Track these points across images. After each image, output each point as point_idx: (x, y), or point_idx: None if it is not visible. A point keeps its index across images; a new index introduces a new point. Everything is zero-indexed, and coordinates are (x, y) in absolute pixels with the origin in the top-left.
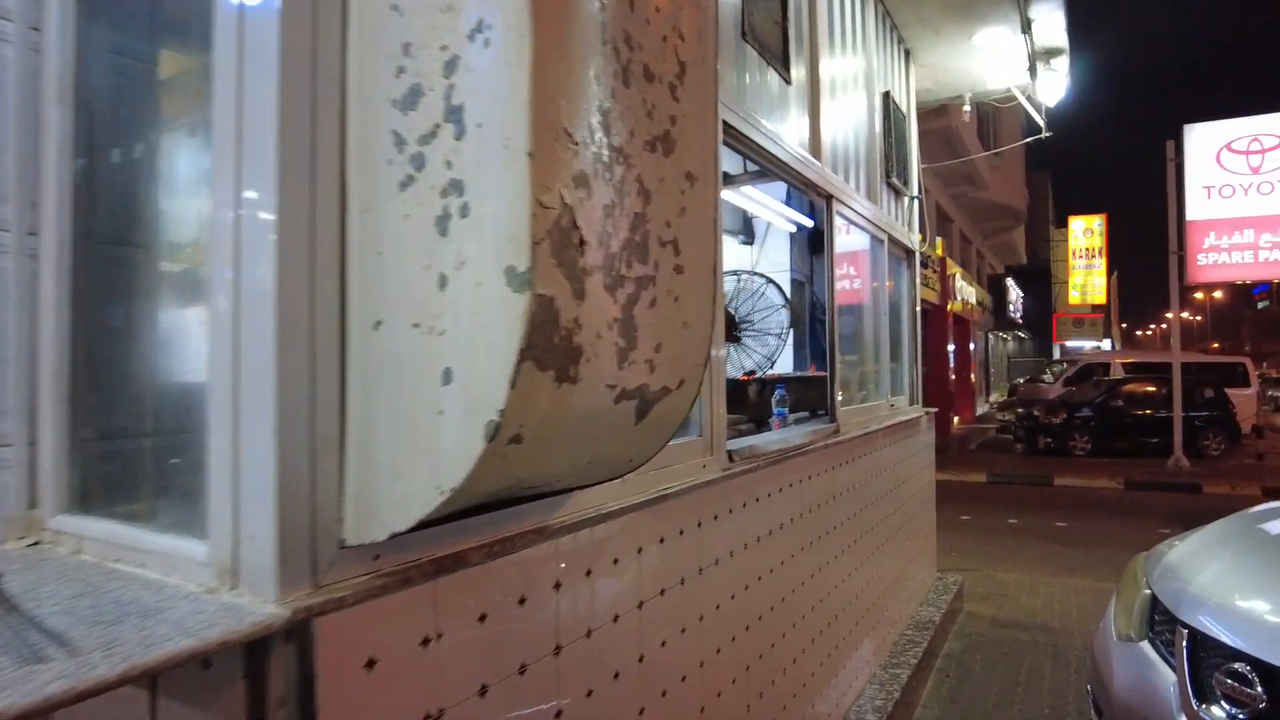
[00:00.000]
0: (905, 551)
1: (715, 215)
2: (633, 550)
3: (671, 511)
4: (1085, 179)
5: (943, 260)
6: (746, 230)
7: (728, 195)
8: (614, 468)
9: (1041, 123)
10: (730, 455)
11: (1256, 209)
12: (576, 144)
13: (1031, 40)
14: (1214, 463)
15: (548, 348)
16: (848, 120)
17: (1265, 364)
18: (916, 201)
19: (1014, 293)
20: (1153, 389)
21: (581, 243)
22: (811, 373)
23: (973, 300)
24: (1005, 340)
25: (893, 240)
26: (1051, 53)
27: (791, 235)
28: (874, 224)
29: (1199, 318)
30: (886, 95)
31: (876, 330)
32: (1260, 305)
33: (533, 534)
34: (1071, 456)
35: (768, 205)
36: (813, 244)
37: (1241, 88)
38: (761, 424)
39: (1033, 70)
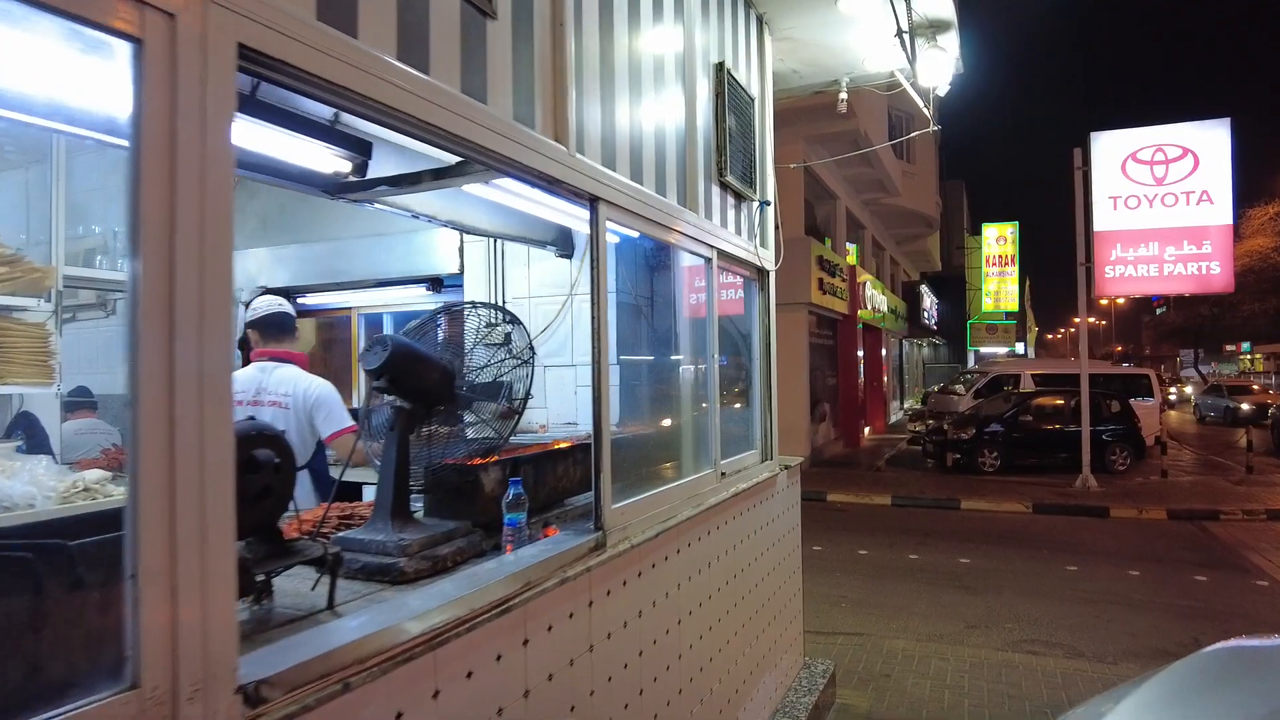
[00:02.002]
0: (752, 653)
1: None
2: None
3: None
4: (999, 187)
5: (852, 268)
6: (564, 242)
7: (488, 192)
8: None
9: (928, 113)
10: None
11: (1161, 221)
12: None
13: (910, 9)
14: (1121, 480)
15: None
16: (640, 95)
17: (1163, 366)
18: (766, 209)
19: (928, 299)
20: (1061, 402)
21: None
22: (571, 442)
23: (884, 308)
24: (920, 347)
25: (726, 257)
26: (937, 26)
27: (618, 248)
28: (689, 236)
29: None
30: (721, 69)
31: (704, 374)
32: (1159, 311)
33: None
34: (981, 474)
35: (562, 209)
36: (652, 260)
37: (1152, 98)
38: (494, 531)
39: (912, 47)
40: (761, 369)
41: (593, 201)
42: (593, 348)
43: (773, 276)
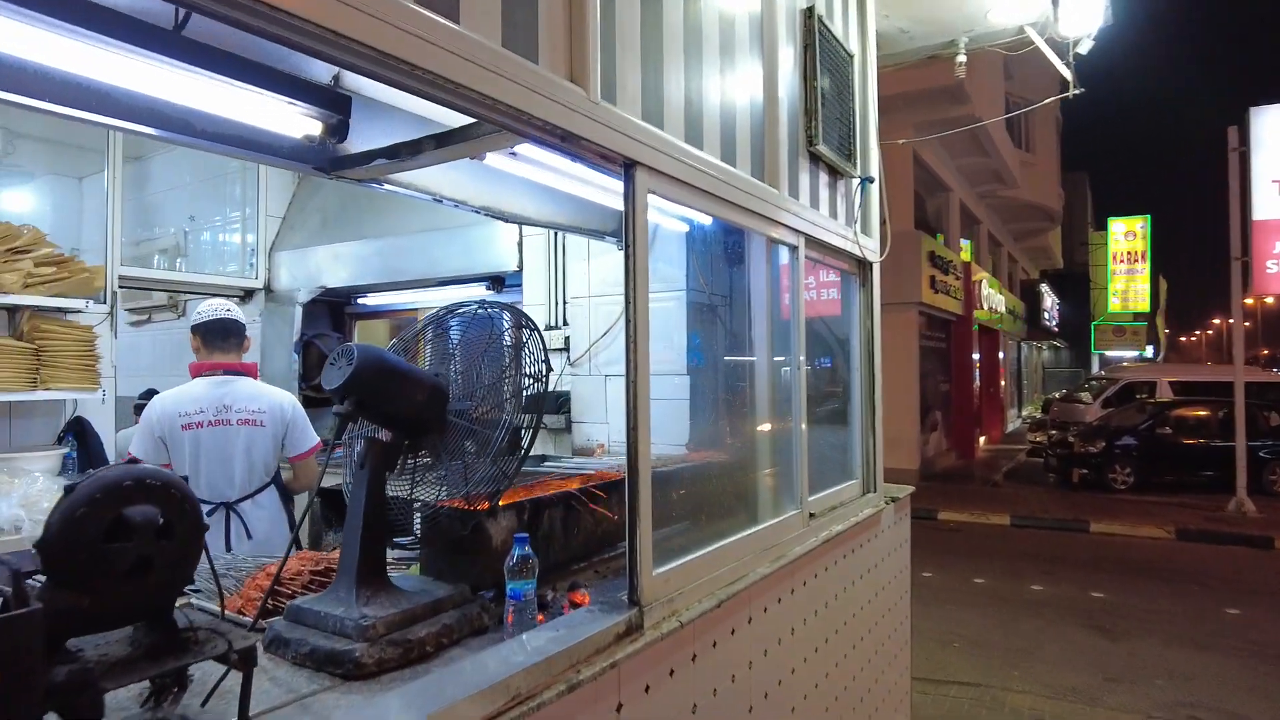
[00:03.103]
0: None
1: None
2: None
3: None
4: (1127, 179)
5: (967, 265)
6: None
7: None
8: None
9: (1068, 74)
10: None
11: None
12: None
13: None
14: None
15: None
16: (699, 38)
17: None
18: (869, 187)
19: (1049, 299)
20: (1206, 413)
21: None
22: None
23: (1001, 308)
24: (1040, 350)
25: (816, 245)
26: None
27: (690, 238)
28: (766, 218)
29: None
30: (811, 15)
31: (789, 388)
32: None
33: None
34: (1112, 492)
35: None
36: (733, 251)
37: None
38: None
39: None
40: (863, 381)
41: (628, 167)
42: (627, 360)
43: (876, 270)
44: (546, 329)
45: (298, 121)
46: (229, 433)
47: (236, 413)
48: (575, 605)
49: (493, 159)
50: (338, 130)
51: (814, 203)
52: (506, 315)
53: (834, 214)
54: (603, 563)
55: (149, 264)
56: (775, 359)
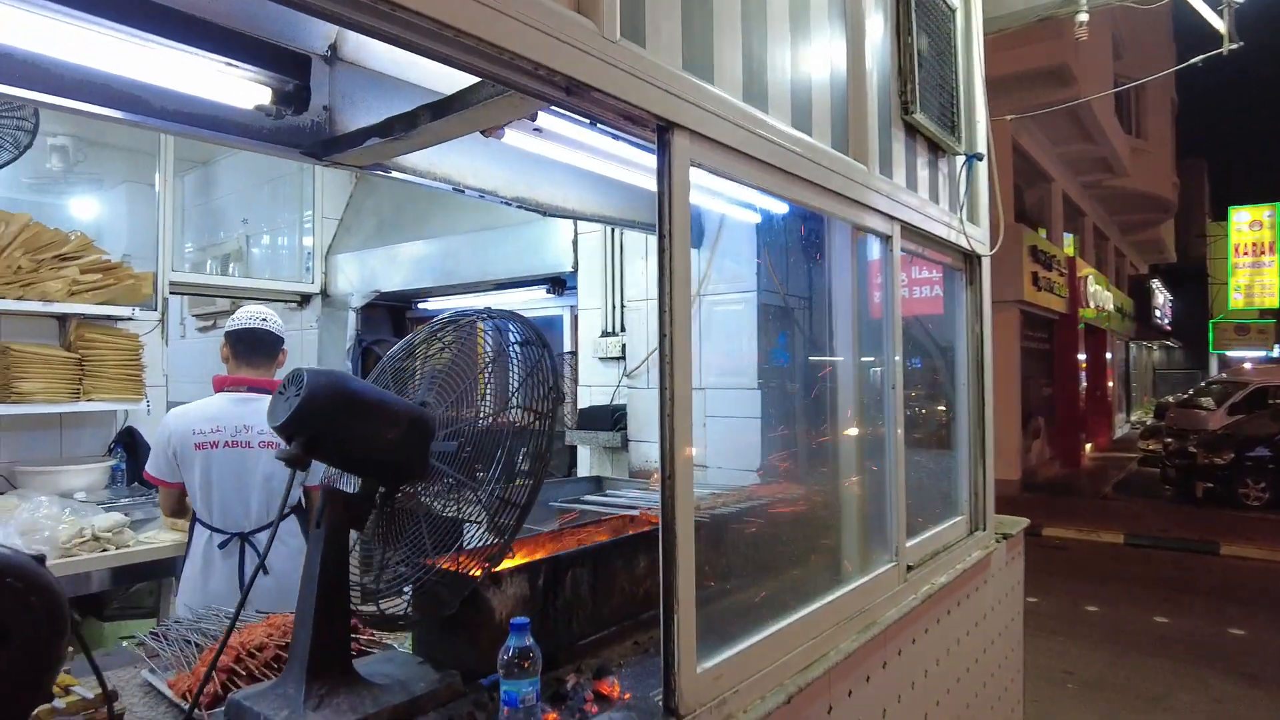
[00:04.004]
0: None
1: None
2: None
3: None
4: (1251, 164)
5: (1071, 260)
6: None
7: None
8: None
9: (1222, 27)
10: None
11: None
12: None
13: None
14: None
15: None
16: None
17: None
18: (977, 166)
19: (1160, 296)
20: None
21: None
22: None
23: (1109, 306)
24: (1150, 350)
25: (914, 234)
26: None
27: (763, 229)
28: (852, 200)
29: None
30: None
31: (880, 407)
32: None
33: None
34: (1243, 509)
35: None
36: (810, 243)
37: None
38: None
39: None
40: (971, 396)
41: (662, 131)
42: (661, 385)
43: (986, 265)
44: (601, 336)
45: (241, 88)
46: (247, 456)
47: (258, 434)
48: (601, 698)
49: (516, 138)
50: (294, 98)
51: (911, 184)
52: (513, 328)
53: (934, 198)
54: (644, 629)
55: (213, 269)
56: (864, 372)
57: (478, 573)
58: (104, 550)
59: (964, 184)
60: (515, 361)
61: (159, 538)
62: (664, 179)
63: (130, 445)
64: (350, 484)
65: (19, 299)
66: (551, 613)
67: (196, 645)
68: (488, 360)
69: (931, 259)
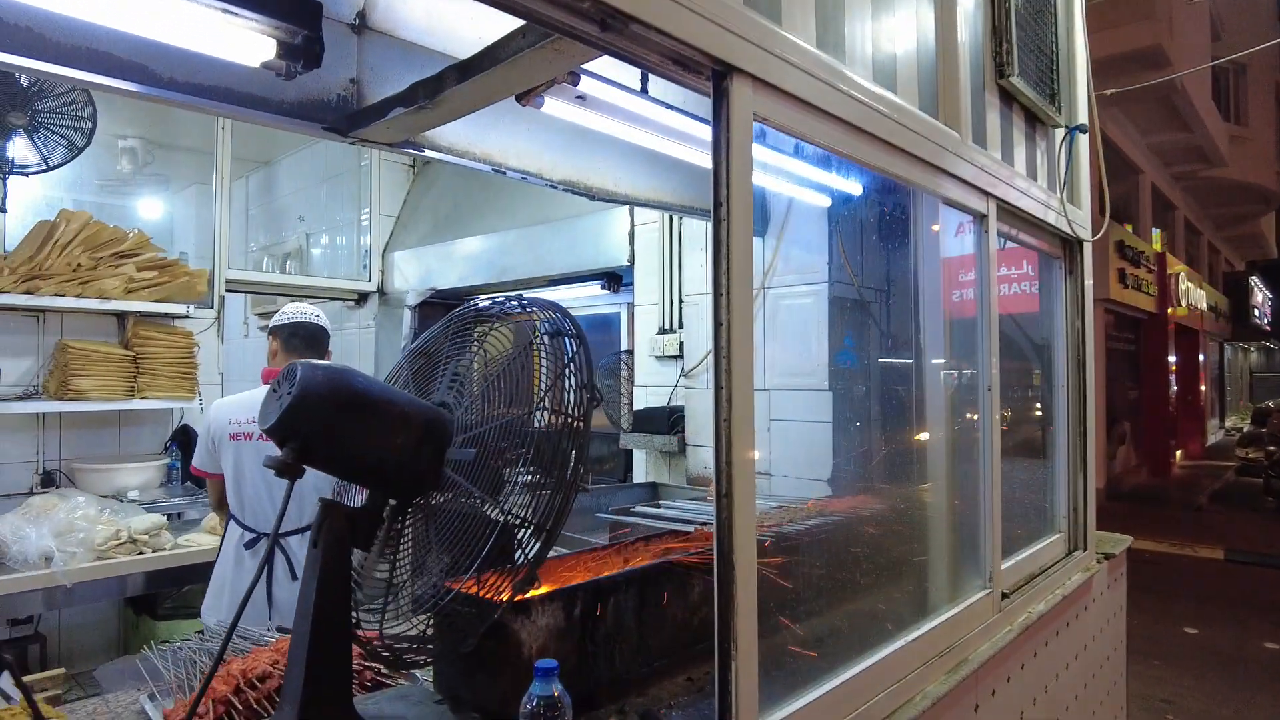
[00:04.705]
0: None
1: None
2: None
3: None
4: None
5: (1161, 256)
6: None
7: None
8: None
9: None
10: None
11: None
12: None
13: None
14: None
15: None
16: None
17: None
18: (1079, 139)
19: (1259, 294)
20: None
21: None
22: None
23: (1202, 304)
24: (1247, 352)
25: (1011, 215)
26: None
27: (834, 213)
28: (941, 170)
29: None
30: None
31: (968, 412)
32: None
33: None
34: None
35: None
36: (889, 227)
37: None
38: None
39: None
40: (1070, 398)
41: (718, 77)
42: (716, 387)
43: (1088, 251)
44: (658, 333)
45: (246, 41)
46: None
47: None
48: None
49: (557, 108)
50: (304, 52)
51: (1007, 156)
52: (542, 317)
53: (1033, 174)
54: (698, 663)
55: (269, 267)
56: (953, 371)
57: (502, 597)
58: (140, 553)
59: (1064, 161)
60: (544, 356)
61: (198, 541)
62: (721, 137)
63: (185, 443)
64: (357, 496)
65: (78, 296)
66: (590, 646)
67: (204, 667)
68: (513, 356)
69: (1028, 244)
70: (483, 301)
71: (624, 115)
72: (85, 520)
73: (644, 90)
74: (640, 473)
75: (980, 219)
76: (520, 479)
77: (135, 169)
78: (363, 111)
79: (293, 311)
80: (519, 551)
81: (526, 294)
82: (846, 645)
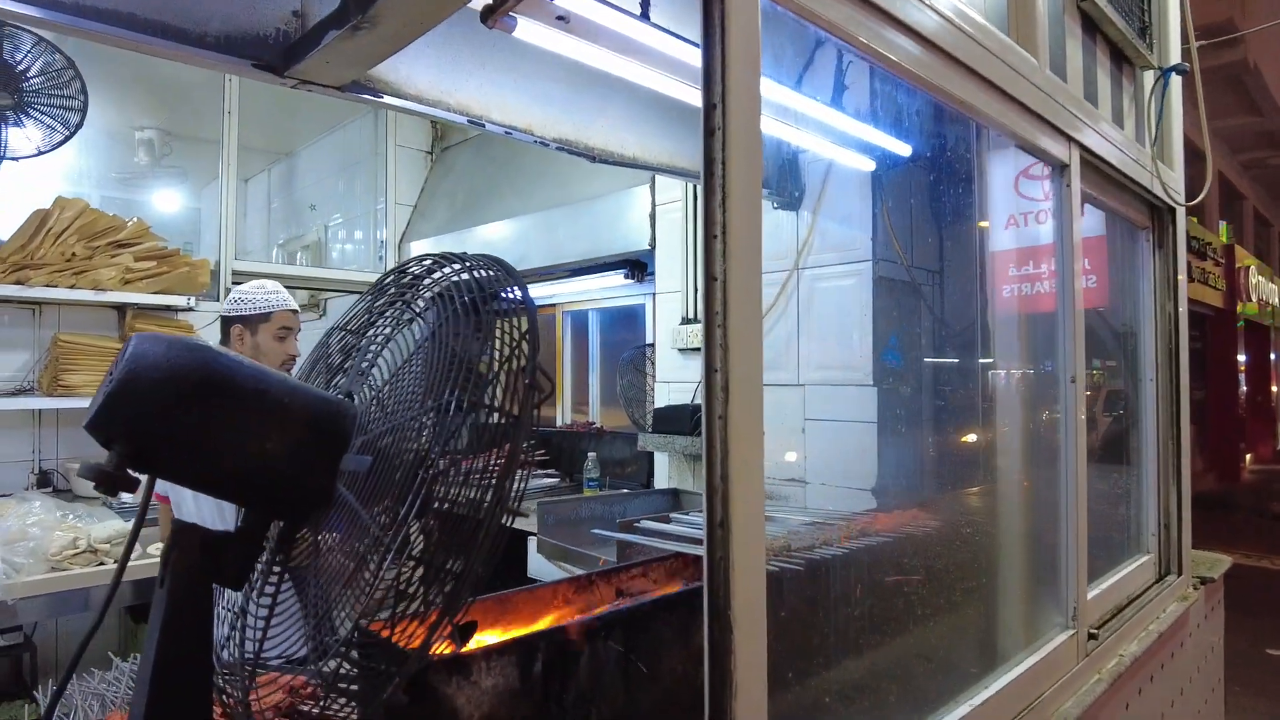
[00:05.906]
0: None
1: None
2: None
3: None
4: None
5: (1229, 249)
6: (781, 180)
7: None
8: None
9: None
10: None
11: None
12: None
13: None
14: None
15: None
16: None
17: None
18: (1173, 82)
19: None
20: None
21: None
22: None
23: (1275, 300)
24: None
25: (1092, 168)
26: None
27: (879, 179)
28: (1010, 97)
29: None
30: None
31: (1048, 416)
32: None
33: None
34: None
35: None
36: (935, 192)
37: None
38: None
39: None
40: (1160, 396)
41: None
42: (708, 376)
43: (1181, 219)
44: (681, 323)
45: None
46: None
47: None
48: None
49: (533, 31)
50: None
51: (1091, 97)
52: (462, 276)
53: (1117, 119)
54: None
55: (280, 259)
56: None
57: (414, 642)
58: (100, 564)
59: (1155, 110)
60: (467, 333)
61: None
62: (714, 7)
63: None
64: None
65: (71, 287)
66: (557, 712)
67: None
68: (434, 329)
69: (1111, 208)
70: (414, 267)
71: (620, 44)
72: (39, 528)
73: (645, 15)
74: (662, 477)
75: (1061, 169)
76: (416, 499)
77: (153, 161)
78: (298, 43)
79: (255, 292)
80: (417, 599)
81: (567, 292)
82: (898, 708)
